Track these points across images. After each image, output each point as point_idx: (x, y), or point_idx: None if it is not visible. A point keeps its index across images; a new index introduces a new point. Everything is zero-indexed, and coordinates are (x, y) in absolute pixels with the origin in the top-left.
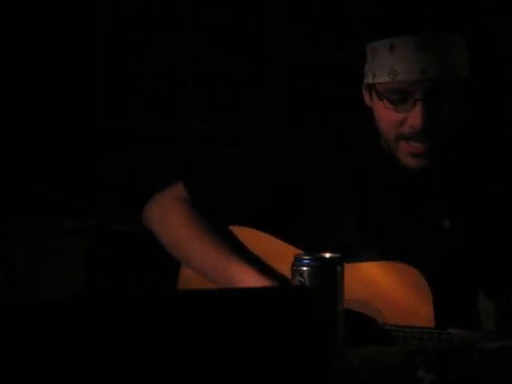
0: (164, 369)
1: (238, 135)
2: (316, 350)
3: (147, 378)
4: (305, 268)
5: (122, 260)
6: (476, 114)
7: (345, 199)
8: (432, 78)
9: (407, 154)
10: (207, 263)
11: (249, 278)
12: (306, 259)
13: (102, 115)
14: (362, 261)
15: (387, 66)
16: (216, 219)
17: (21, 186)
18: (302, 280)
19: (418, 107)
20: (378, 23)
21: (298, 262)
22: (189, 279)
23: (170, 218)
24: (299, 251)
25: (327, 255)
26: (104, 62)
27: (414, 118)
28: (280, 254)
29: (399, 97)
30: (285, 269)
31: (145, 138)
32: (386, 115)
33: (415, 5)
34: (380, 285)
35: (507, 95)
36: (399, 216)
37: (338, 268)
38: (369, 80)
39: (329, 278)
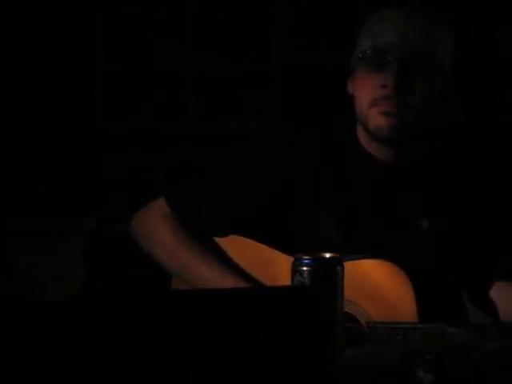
0: (164, 369)
1: (238, 135)
2: (316, 349)
3: (147, 377)
4: (305, 268)
5: (121, 260)
6: (466, 116)
7: (324, 198)
8: (409, 42)
9: (378, 113)
10: (201, 277)
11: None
12: (306, 259)
13: (102, 115)
14: (345, 260)
15: (370, 31)
16: (201, 231)
17: (20, 186)
18: (302, 280)
19: (393, 68)
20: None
21: (298, 261)
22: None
23: (158, 237)
24: (285, 256)
25: (327, 255)
26: (104, 62)
27: (387, 77)
28: (267, 260)
29: (377, 59)
30: (271, 275)
31: (145, 137)
32: (363, 81)
33: None
34: (364, 283)
35: (503, 99)
36: (375, 215)
37: (338, 268)
38: (355, 52)
39: (329, 278)
